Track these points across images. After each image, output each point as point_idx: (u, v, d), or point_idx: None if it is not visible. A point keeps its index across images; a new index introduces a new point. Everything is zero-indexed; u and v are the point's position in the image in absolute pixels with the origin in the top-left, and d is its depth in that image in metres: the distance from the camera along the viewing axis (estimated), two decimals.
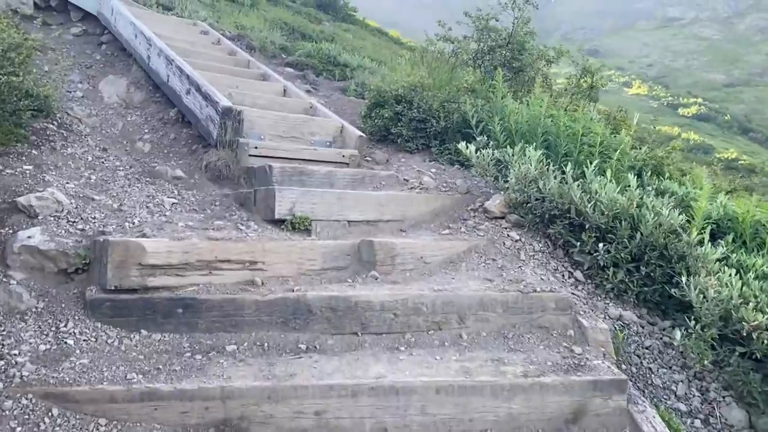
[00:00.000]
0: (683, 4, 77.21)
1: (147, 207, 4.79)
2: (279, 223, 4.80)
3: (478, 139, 6.42)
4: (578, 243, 4.87)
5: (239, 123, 5.79)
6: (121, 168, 5.55)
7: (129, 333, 3.63)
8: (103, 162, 5.56)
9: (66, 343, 3.44)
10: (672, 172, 6.75)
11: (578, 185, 4.96)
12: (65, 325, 3.57)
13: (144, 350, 3.52)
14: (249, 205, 5.05)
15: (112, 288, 3.69)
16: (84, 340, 3.50)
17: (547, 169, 5.21)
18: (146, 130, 6.46)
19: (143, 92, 7.30)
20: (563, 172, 5.36)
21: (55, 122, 5.98)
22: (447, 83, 8.34)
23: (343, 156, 6.30)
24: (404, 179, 6.09)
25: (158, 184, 5.38)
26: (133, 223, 4.39)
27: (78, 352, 3.40)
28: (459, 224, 5.29)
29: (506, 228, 5.17)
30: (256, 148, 5.78)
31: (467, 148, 5.61)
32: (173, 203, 4.96)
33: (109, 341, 3.54)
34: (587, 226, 4.84)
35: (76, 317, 3.65)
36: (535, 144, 5.97)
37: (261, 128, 6.12)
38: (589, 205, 4.80)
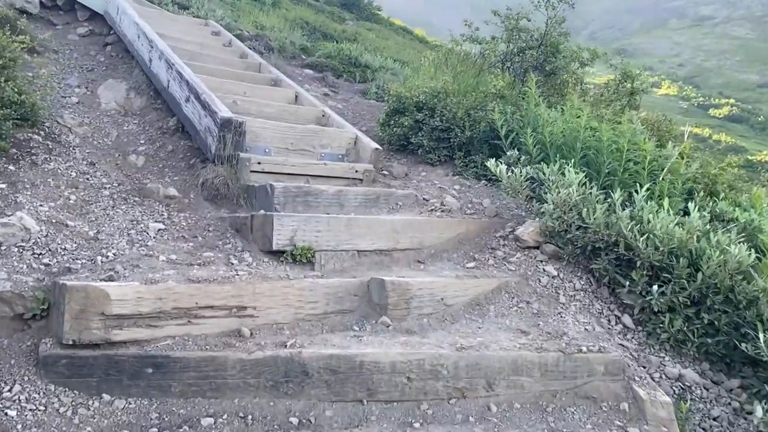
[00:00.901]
0: (716, 2, 74.97)
1: (128, 235, 4.14)
2: (278, 254, 4.12)
3: (508, 153, 5.67)
4: (627, 282, 4.12)
5: (240, 136, 5.13)
6: (108, 186, 4.92)
7: (88, 398, 2.98)
8: (88, 179, 4.93)
9: (6, 414, 2.80)
10: (726, 191, 5.93)
11: (628, 214, 4.20)
12: (10, 389, 2.93)
13: (102, 423, 2.87)
14: (245, 233, 4.38)
15: (70, 342, 3.04)
16: (30, 410, 2.85)
17: (591, 194, 4.44)
18: (142, 141, 5.83)
19: (144, 98, 6.68)
20: (608, 196, 4.61)
21: (41, 132, 5.38)
22: (473, 88, 7.59)
23: (356, 171, 5.60)
24: (424, 198, 5.37)
25: (147, 204, 4.74)
26: (107, 257, 3.74)
27: (20, 427, 2.76)
28: (486, 254, 4.56)
29: (542, 261, 4.42)
30: (258, 163, 5.11)
31: (497, 166, 4.87)
32: (159, 229, 4.31)
33: (62, 410, 2.89)
34: (638, 263, 4.08)
35: (26, 377, 3.01)
36: (573, 160, 5.21)
37: (266, 140, 5.45)
38: (641, 239, 4.04)
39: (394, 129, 6.99)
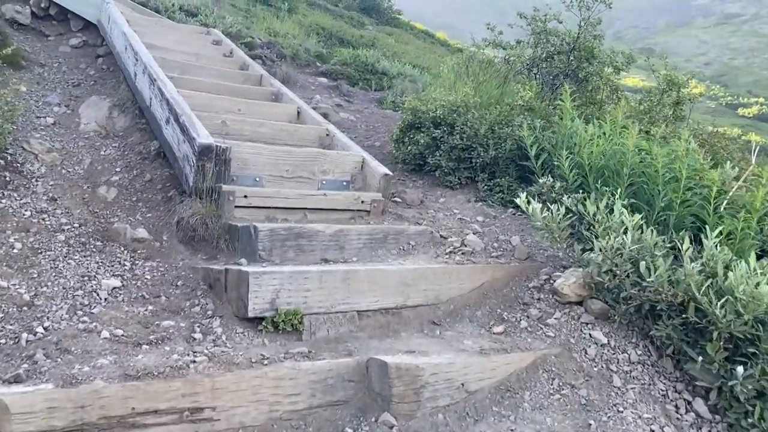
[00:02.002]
0: None
1: (72, 298, 3.30)
2: (256, 321, 3.24)
3: (541, 181, 4.72)
4: (700, 356, 3.16)
5: (224, 165, 4.27)
6: (67, 227, 4.09)
7: None
8: (43, 219, 4.11)
9: None
10: None
11: (698, 268, 3.24)
12: None
13: None
14: (219, 290, 3.51)
15: None
16: None
17: (649, 240, 3.48)
18: (118, 169, 5.00)
19: (128, 117, 5.87)
20: (669, 240, 3.66)
21: (1, 161, 4.59)
22: (497, 100, 6.65)
23: (362, 202, 4.71)
24: (441, 236, 4.46)
25: (109, 251, 3.90)
26: (35, 334, 2.90)
27: None
28: (518, 313, 3.63)
29: (587, 324, 3.48)
30: (244, 197, 4.25)
31: (528, 203, 3.91)
32: (114, 288, 3.46)
33: None
34: (714, 333, 3.12)
35: None
36: (619, 190, 4.26)
37: (256, 168, 4.59)
38: (717, 303, 3.08)
39: (409, 147, 6.09)
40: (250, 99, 6.10)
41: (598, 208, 3.82)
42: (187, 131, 4.34)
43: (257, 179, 4.58)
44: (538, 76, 8.09)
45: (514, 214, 5.11)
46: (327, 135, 5.53)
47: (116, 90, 6.40)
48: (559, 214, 3.83)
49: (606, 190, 4.51)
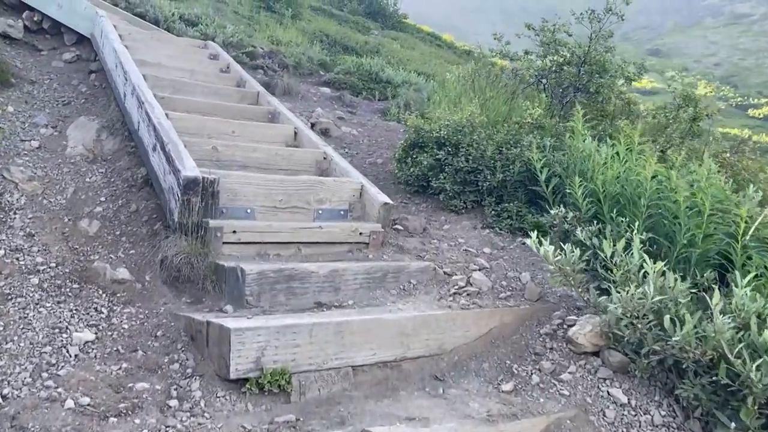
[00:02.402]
0: None
1: (40, 355, 3.00)
2: (240, 382, 2.93)
3: (552, 212, 4.38)
4: (732, 422, 2.83)
5: (211, 198, 3.97)
6: (42, 267, 3.80)
7: None
8: (18, 259, 3.82)
9: None
10: None
11: (728, 324, 2.90)
12: None
13: None
14: (201, 343, 3.20)
15: None
16: None
17: (677, 292, 3.14)
18: (102, 198, 4.70)
19: (117, 140, 5.58)
20: (689, 278, 3.33)
21: None
22: (504, 117, 6.33)
23: (361, 234, 4.39)
24: (445, 272, 4.13)
25: (85, 296, 3.60)
26: None
27: None
28: (528, 366, 3.30)
29: (605, 379, 3.15)
30: (233, 232, 3.94)
31: (540, 245, 3.57)
32: (87, 342, 3.16)
33: None
34: (749, 399, 2.79)
35: None
36: (637, 224, 3.92)
37: (248, 199, 4.28)
38: (753, 366, 2.74)
39: (412, 168, 5.78)
40: (246, 119, 5.81)
41: (614, 247, 3.48)
42: (173, 162, 4.04)
43: (248, 211, 4.28)
44: (546, 87, 7.76)
45: (523, 244, 4.78)
46: (324, 158, 5.22)
47: (106, 109, 6.12)
48: (573, 256, 3.49)
49: (622, 221, 4.19)
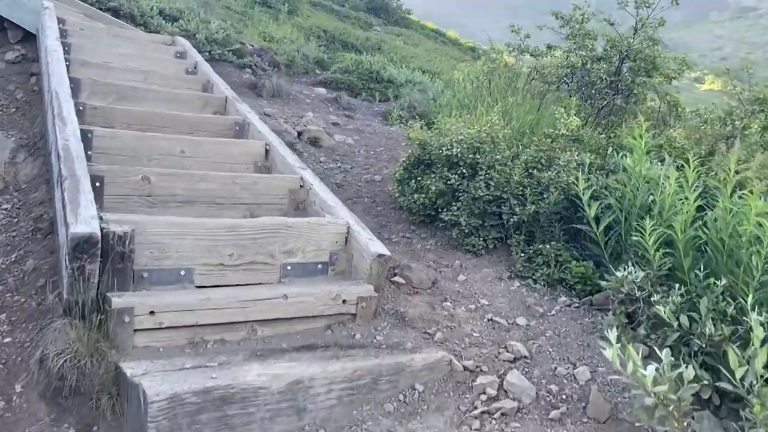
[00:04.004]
0: None
1: None
2: None
3: (618, 275, 2.98)
4: None
5: (122, 260, 2.62)
6: None
7: None
8: None
9: None
10: None
11: None
12: None
13: None
14: None
15: None
16: None
17: None
18: None
19: (37, 163, 4.22)
20: None
21: None
22: (531, 127, 4.93)
23: (344, 301, 3.03)
24: (465, 367, 2.76)
25: None
26: None
27: None
28: None
29: None
30: (151, 313, 2.58)
31: (616, 357, 2.16)
32: None
33: None
34: None
35: None
36: (751, 297, 2.53)
37: (182, 255, 2.92)
38: None
39: (416, 195, 4.41)
40: (203, 133, 4.44)
41: (743, 362, 2.08)
42: (66, 207, 2.68)
43: (183, 273, 2.91)
44: (576, 89, 6.35)
45: (569, 305, 3.41)
46: (301, 187, 3.85)
47: (33, 123, 4.76)
48: (684, 387, 2.08)
49: (715, 285, 2.81)
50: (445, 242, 4.29)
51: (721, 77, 50.31)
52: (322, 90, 9.98)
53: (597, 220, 3.62)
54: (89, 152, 3.69)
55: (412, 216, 4.62)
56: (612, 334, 2.04)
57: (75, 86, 4.49)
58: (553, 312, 3.33)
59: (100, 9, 8.33)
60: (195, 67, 5.87)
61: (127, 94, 4.74)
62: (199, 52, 9.00)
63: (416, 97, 9.93)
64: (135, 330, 2.55)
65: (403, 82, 11.06)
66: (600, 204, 3.63)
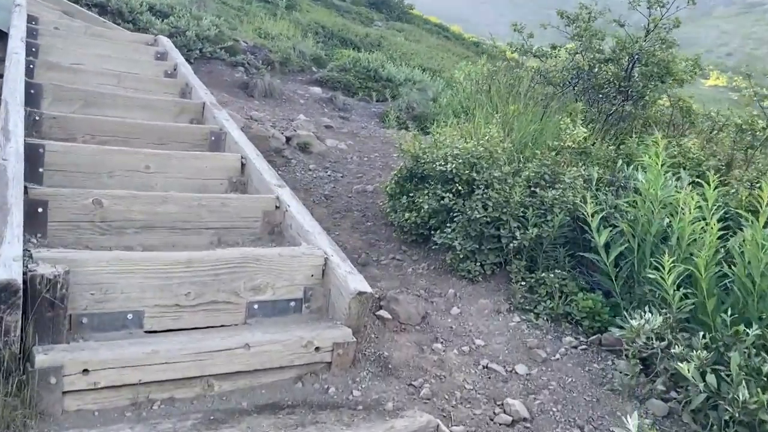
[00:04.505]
0: None
1: None
2: None
3: (634, 323, 2.56)
4: None
5: (52, 308, 2.22)
6: None
7: None
8: None
9: None
10: None
11: None
12: None
13: None
14: None
15: None
16: None
17: None
18: None
19: None
20: None
21: None
22: (534, 137, 4.50)
23: (317, 349, 2.62)
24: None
25: None
26: None
27: None
28: None
29: None
30: (85, 372, 2.17)
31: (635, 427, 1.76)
32: None
33: None
34: None
35: None
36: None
37: (129, 297, 2.50)
38: None
39: (407, 215, 3.99)
40: (176, 145, 4.03)
41: None
42: None
43: (130, 317, 2.50)
44: (581, 93, 5.91)
45: (575, 347, 2.99)
46: (277, 208, 3.43)
47: None
48: None
49: (746, 334, 2.39)
50: (438, 266, 3.87)
51: (725, 73, 49.56)
52: (317, 89, 9.56)
53: (607, 247, 3.19)
54: (41, 169, 3.29)
55: (403, 235, 4.20)
56: (632, 424, 1.61)
57: (36, 92, 4.09)
58: (558, 356, 2.91)
59: (87, 5, 7.92)
60: (174, 70, 5.44)
61: (95, 100, 4.32)
62: (189, 50, 8.59)
63: (415, 97, 9.50)
64: (64, 392, 2.14)
65: (402, 80, 10.63)
66: (611, 229, 3.20)
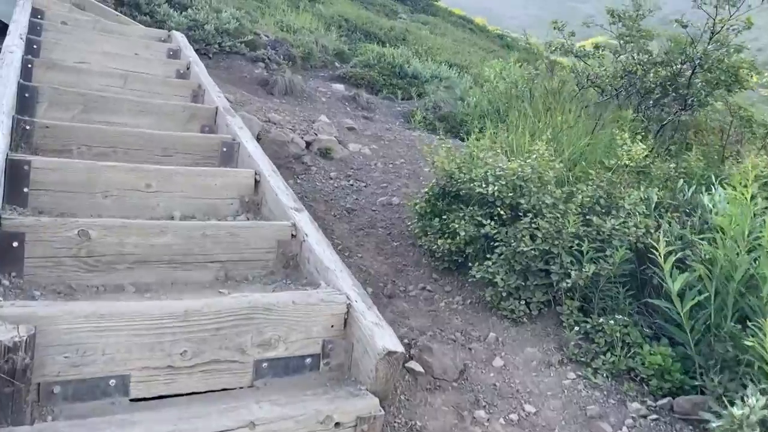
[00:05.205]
0: None
1: None
2: None
3: (737, 412, 2.02)
4: None
5: (12, 384, 1.76)
6: None
7: None
8: None
9: None
10: None
11: None
12: None
13: None
14: None
15: None
16: None
17: None
18: None
19: None
20: None
21: None
22: (582, 152, 3.95)
23: (337, 425, 2.13)
24: None
25: None
26: None
27: None
28: None
29: None
30: None
31: None
32: None
33: None
34: None
35: None
36: None
37: (112, 359, 2.04)
38: None
39: (440, 241, 3.48)
40: (182, 157, 3.56)
41: None
42: None
43: (113, 383, 2.04)
44: (625, 96, 5.33)
45: (644, 416, 2.47)
46: (293, 237, 2.94)
47: None
48: None
49: None
50: (475, 301, 3.37)
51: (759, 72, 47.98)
52: (339, 86, 9.06)
53: (682, 298, 2.66)
54: (25, 189, 2.83)
55: (434, 261, 3.70)
56: None
57: (30, 96, 3.64)
58: (625, 429, 2.39)
59: None
60: (187, 69, 4.97)
61: (96, 104, 3.86)
62: (208, 44, 8.12)
63: (442, 95, 8.96)
64: None
65: (429, 77, 10.08)
66: (687, 275, 2.67)
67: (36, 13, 5.12)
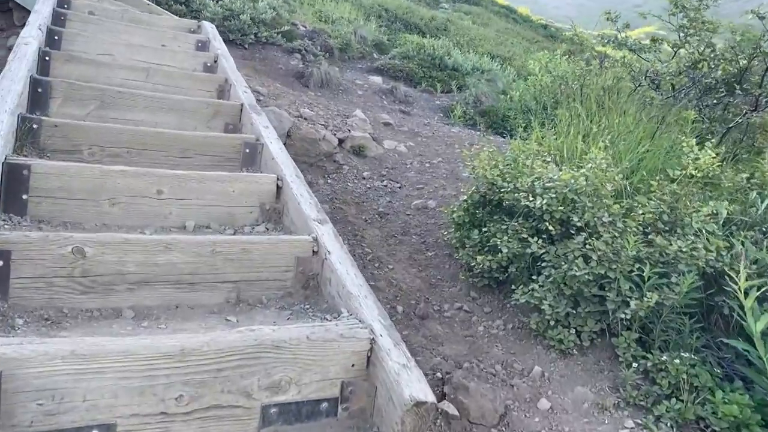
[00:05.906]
0: None
1: None
2: None
3: None
4: None
5: None
6: None
7: None
8: None
9: None
10: None
11: None
12: None
13: None
14: None
15: None
16: None
17: None
18: None
19: None
20: None
21: None
22: (643, 160, 3.47)
23: None
24: None
25: None
26: None
27: None
28: None
29: None
30: None
31: None
32: None
33: None
34: None
35: None
36: None
37: (94, 405, 1.73)
38: None
39: (479, 258, 3.08)
40: (201, 159, 3.24)
41: None
42: None
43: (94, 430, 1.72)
44: (701, 99, 4.79)
45: None
46: (314, 253, 2.58)
47: None
48: None
49: None
50: (518, 326, 2.97)
51: None
52: (377, 79, 8.68)
53: (764, 337, 2.21)
54: (24, 196, 2.56)
55: (472, 277, 3.31)
56: None
57: (43, 91, 3.38)
58: None
59: None
60: (215, 62, 4.66)
61: (113, 100, 3.58)
62: (244, 35, 7.82)
63: (483, 89, 8.49)
64: None
65: (470, 70, 9.62)
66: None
67: (62, 2, 4.88)
